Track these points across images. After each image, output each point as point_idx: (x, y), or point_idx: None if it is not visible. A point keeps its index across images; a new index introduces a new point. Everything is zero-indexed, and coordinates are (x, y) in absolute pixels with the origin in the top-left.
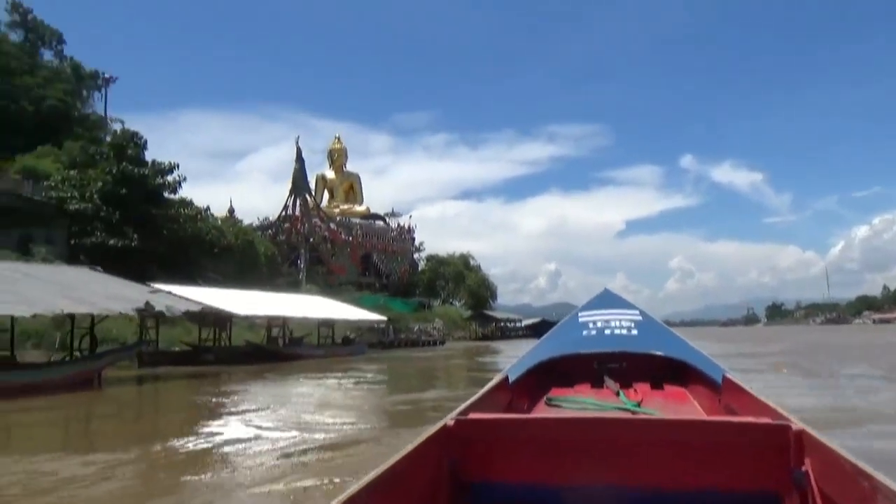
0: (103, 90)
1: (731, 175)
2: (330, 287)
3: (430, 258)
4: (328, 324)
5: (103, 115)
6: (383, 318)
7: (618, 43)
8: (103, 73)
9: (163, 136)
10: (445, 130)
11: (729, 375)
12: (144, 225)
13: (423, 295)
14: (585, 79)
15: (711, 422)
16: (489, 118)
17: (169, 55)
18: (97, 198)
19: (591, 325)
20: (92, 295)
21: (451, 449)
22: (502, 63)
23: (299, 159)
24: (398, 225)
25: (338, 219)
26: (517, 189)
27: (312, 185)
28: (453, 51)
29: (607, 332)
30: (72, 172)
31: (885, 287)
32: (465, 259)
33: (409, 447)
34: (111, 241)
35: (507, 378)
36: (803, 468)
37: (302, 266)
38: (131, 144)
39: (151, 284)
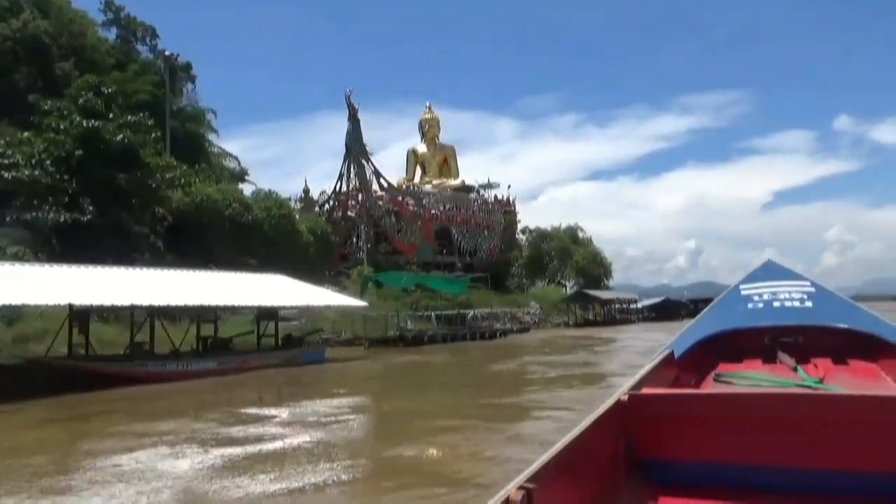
0: (195, 82)
1: None
2: (397, 268)
3: (525, 231)
4: (270, 314)
5: (199, 106)
6: (362, 303)
7: (761, 2)
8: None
9: (301, 139)
10: (573, 110)
11: None
12: (111, 194)
13: (526, 276)
14: (724, 43)
15: None
16: (618, 94)
17: (303, 62)
18: (49, 163)
19: (755, 298)
20: None
21: (626, 424)
22: (630, 37)
23: (352, 119)
24: (495, 197)
25: (404, 187)
26: (650, 165)
27: (404, 161)
28: (578, 28)
29: (776, 304)
30: (26, 135)
31: None
32: (572, 232)
33: (587, 422)
34: (52, 216)
35: (672, 353)
36: None
37: (360, 245)
38: (89, 94)
39: None
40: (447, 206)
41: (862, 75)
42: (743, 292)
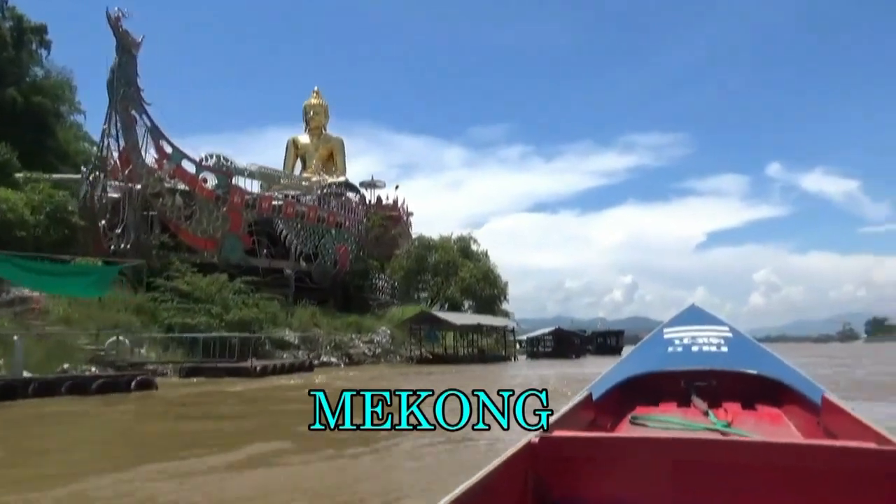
0: (49, 49)
1: (823, 183)
2: (172, 266)
3: (400, 235)
4: None
5: (56, 78)
6: None
7: (704, 49)
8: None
9: (253, 153)
10: (521, 142)
11: (829, 396)
12: None
13: (408, 293)
14: (667, 87)
15: (809, 445)
16: (565, 129)
17: (255, 77)
18: None
19: (676, 342)
20: None
21: (536, 466)
22: (580, 74)
23: (123, 51)
24: (378, 199)
25: (199, 158)
26: (593, 201)
27: (283, 151)
28: (530, 63)
29: (695, 348)
30: None
31: None
32: (464, 243)
33: (495, 463)
34: None
35: (590, 395)
36: None
37: (122, 233)
38: None
39: None
40: (275, 192)
41: (794, 126)
42: (665, 335)
